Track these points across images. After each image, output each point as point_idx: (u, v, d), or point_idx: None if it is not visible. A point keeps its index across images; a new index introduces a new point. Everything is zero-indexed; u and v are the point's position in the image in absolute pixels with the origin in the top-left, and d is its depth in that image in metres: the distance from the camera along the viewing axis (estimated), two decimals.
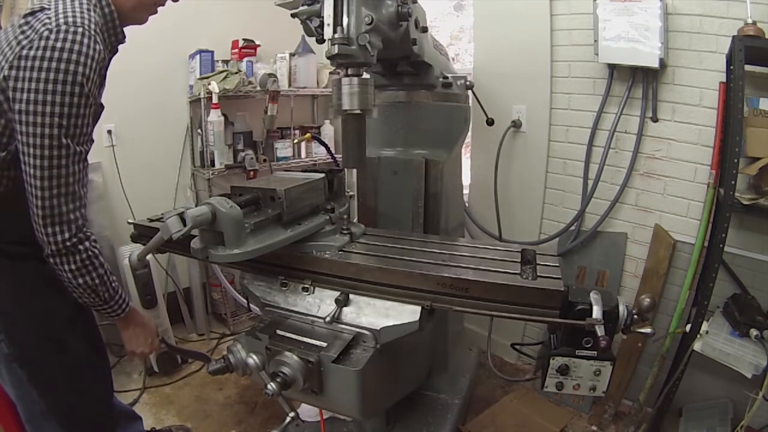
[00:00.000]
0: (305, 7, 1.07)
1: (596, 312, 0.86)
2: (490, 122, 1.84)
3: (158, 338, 1.26)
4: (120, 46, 1.13)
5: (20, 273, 1.06)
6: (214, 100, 2.28)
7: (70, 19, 0.88)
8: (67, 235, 0.95)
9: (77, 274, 0.99)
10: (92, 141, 1.05)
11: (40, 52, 0.85)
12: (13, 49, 0.88)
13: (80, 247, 0.98)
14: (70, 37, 0.86)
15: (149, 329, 1.23)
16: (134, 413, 1.61)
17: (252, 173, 2.48)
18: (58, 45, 0.86)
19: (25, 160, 0.90)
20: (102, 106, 1.12)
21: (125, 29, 1.08)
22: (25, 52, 0.86)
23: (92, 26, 0.91)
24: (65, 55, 0.86)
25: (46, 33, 0.86)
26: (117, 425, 1.44)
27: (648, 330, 0.90)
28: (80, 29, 0.88)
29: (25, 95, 0.86)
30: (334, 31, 0.98)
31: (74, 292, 1.03)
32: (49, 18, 0.88)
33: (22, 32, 0.89)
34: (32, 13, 0.91)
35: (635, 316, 0.91)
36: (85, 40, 0.88)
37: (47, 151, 0.89)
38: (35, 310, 1.09)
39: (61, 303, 1.12)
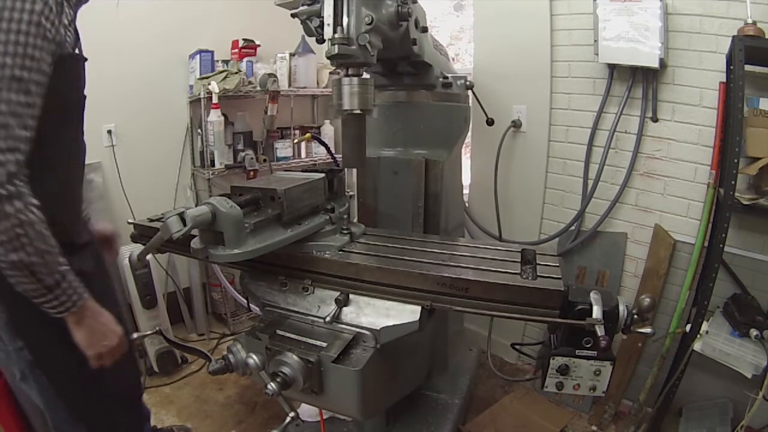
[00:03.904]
0: (305, 7, 1.07)
1: (596, 312, 0.86)
2: (490, 122, 1.84)
3: (124, 335, 1.04)
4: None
5: None
6: (214, 100, 2.28)
7: None
8: None
9: (8, 248, 0.79)
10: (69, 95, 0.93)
11: None
12: None
13: (8, 207, 0.77)
14: None
15: (109, 328, 0.99)
16: (146, 409, 1.61)
17: (252, 173, 2.48)
18: None
19: None
20: (83, 58, 1.00)
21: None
22: None
23: None
24: None
25: None
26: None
27: (648, 330, 0.90)
28: None
29: None
30: (334, 31, 0.98)
31: (6, 274, 0.83)
32: None
33: None
34: None
35: (635, 316, 0.91)
36: None
37: None
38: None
39: None
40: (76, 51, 0.99)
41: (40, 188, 0.86)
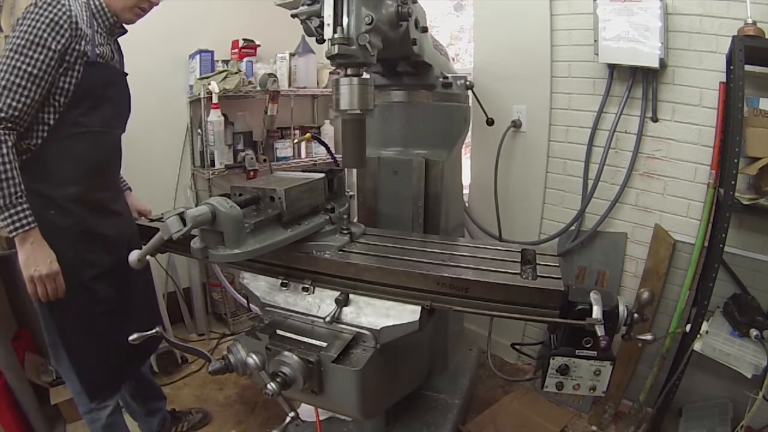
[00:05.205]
0: (305, 7, 1.07)
1: (596, 312, 0.86)
2: (490, 122, 1.84)
3: (59, 275, 1.20)
4: (120, 46, 1.33)
5: (65, 226, 1.21)
6: (214, 100, 2.28)
7: None
8: None
9: None
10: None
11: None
12: None
13: None
14: (39, 2, 1.13)
15: (43, 260, 1.16)
16: (160, 392, 1.71)
17: (252, 173, 2.48)
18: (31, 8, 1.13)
19: None
20: (119, 71, 1.42)
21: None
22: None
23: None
24: (32, 8, 1.13)
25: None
26: (140, 397, 1.61)
27: (648, 337, 0.90)
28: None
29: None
30: (334, 31, 0.98)
31: None
32: None
33: None
34: None
35: (635, 315, 0.91)
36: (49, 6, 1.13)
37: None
38: (70, 259, 1.21)
39: (98, 257, 1.28)
40: (111, 63, 1.33)
41: (65, 150, 1.21)
